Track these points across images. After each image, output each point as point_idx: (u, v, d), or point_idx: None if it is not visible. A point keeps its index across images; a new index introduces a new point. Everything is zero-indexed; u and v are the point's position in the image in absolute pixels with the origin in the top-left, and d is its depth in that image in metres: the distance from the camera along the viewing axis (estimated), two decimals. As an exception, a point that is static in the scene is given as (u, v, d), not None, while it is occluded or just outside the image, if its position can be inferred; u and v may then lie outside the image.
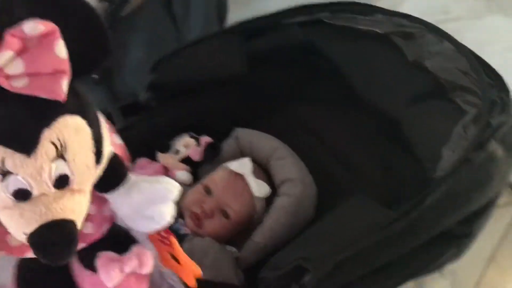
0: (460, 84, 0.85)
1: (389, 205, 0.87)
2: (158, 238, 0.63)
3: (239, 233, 0.90)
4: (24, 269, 0.64)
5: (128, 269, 0.58)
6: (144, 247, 0.62)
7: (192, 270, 0.63)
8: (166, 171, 1.00)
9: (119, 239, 0.62)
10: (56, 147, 0.46)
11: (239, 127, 1.00)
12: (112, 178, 0.56)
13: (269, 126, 1.04)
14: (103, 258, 0.59)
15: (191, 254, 0.81)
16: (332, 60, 1.01)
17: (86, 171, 0.50)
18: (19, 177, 0.45)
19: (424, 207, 0.67)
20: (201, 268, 0.81)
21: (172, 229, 0.87)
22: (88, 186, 0.52)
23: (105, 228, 0.60)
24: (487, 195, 0.73)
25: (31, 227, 0.47)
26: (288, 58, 1.06)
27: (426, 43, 0.91)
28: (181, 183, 0.96)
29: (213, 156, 0.99)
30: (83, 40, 0.48)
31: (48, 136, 0.46)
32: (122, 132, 1.00)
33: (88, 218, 0.54)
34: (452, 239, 0.73)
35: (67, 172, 0.47)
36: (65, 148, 0.47)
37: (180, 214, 0.91)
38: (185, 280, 0.65)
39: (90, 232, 0.56)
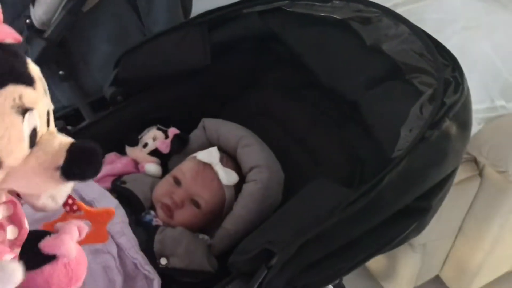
0: (416, 66, 0.87)
1: (351, 187, 0.90)
2: (66, 210, 0.62)
3: (210, 221, 0.92)
4: None
5: (75, 234, 0.59)
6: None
7: (105, 215, 0.64)
8: (136, 165, 1.01)
9: (36, 233, 0.62)
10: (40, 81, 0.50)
11: (206, 117, 1.02)
12: None
13: (233, 114, 1.06)
14: (49, 242, 0.58)
15: (163, 244, 0.84)
16: (292, 47, 1.03)
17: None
18: (34, 112, 0.48)
19: (382, 187, 0.69)
20: (174, 257, 0.83)
21: (144, 221, 0.89)
22: None
23: (26, 222, 0.60)
24: (443, 171, 0.76)
25: (62, 155, 0.49)
26: (249, 47, 1.08)
27: (383, 27, 0.93)
28: (150, 176, 0.99)
29: (181, 147, 1.00)
30: None
31: (32, 71, 0.49)
32: (90, 127, 1.02)
33: (11, 220, 0.55)
34: (412, 215, 0.75)
35: (51, 107, 0.51)
36: (43, 83, 0.51)
37: (151, 206, 0.93)
38: (98, 240, 0.66)
39: (17, 234, 0.56)
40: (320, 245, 0.69)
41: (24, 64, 0.49)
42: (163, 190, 0.92)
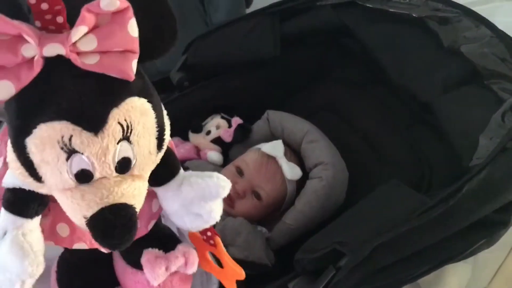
0: (497, 71, 0.83)
1: (419, 191, 0.87)
2: (202, 238, 0.60)
3: (269, 214, 0.91)
4: (66, 261, 0.63)
5: (174, 267, 0.57)
6: (190, 246, 0.60)
7: (234, 272, 0.60)
8: (198, 151, 1.01)
9: (163, 237, 0.61)
10: (122, 128, 0.45)
11: (270, 109, 1.00)
12: (165, 171, 0.54)
13: (298, 107, 1.04)
14: (149, 255, 0.58)
15: (223, 233, 0.83)
16: (364, 43, 1.00)
17: (147, 156, 0.48)
18: (84, 157, 0.44)
19: (462, 195, 0.67)
20: (233, 247, 0.82)
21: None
22: (147, 173, 0.50)
23: (151, 224, 0.59)
24: (525, 184, 0.73)
25: (92, 210, 0.46)
26: (320, 40, 1.06)
27: (462, 28, 0.89)
28: (212, 164, 0.98)
29: (243, 137, 0.99)
30: (151, 24, 0.46)
31: (116, 116, 0.44)
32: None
33: None
34: (487, 227, 0.72)
35: (130, 155, 0.46)
36: (131, 130, 0.45)
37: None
38: (225, 284, 0.62)
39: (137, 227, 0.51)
40: (392, 251, 0.67)
41: (105, 106, 0.44)
42: (225, 179, 0.91)
